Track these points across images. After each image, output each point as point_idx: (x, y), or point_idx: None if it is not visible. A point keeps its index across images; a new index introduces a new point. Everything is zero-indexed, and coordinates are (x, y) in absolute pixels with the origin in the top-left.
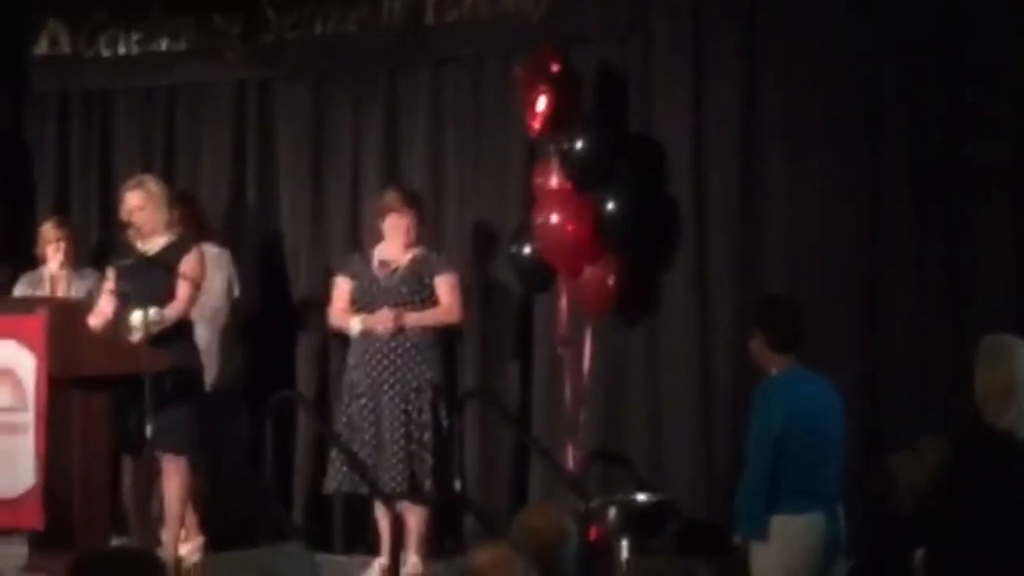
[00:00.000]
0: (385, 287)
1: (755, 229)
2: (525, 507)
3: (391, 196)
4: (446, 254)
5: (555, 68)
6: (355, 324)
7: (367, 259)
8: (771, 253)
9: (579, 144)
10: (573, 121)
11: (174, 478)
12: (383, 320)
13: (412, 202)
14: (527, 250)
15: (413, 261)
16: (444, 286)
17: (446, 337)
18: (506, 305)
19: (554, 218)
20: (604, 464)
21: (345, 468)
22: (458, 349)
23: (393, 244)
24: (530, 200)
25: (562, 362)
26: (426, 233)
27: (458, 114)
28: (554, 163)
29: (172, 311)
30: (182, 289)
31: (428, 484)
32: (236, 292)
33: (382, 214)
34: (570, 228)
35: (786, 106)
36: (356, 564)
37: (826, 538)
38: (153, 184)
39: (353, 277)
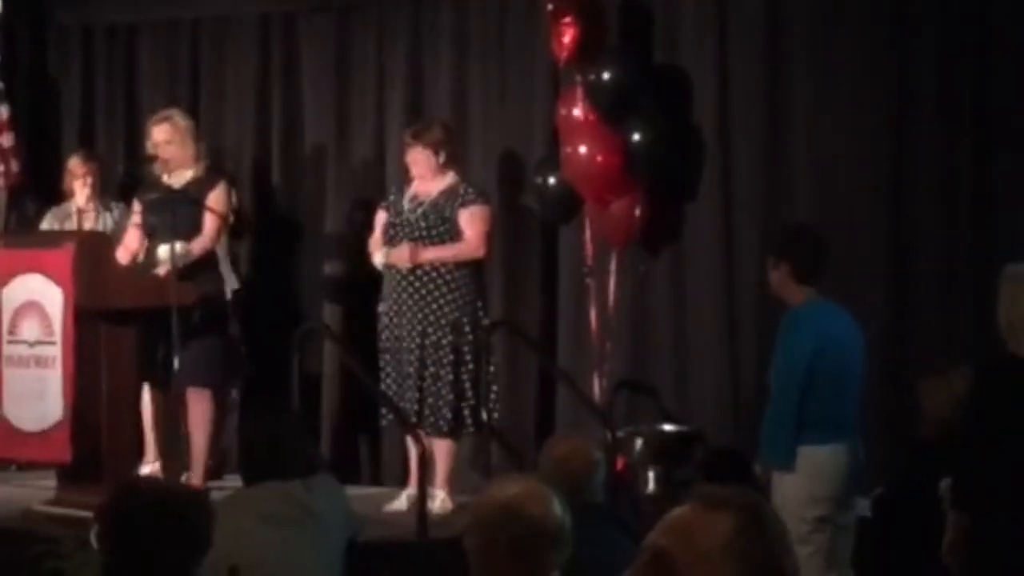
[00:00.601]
0: (407, 220)
1: (780, 159)
2: (552, 438)
3: (407, 131)
4: (476, 187)
5: None
6: (378, 257)
7: (403, 191)
8: (797, 182)
9: (605, 75)
10: (599, 52)
11: (198, 411)
12: (400, 255)
13: (418, 136)
14: (552, 180)
15: (440, 194)
16: (467, 220)
17: (471, 272)
18: (531, 236)
19: (583, 149)
20: (630, 394)
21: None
22: (489, 281)
23: (420, 178)
24: (554, 131)
25: (587, 292)
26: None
27: (483, 44)
28: (579, 94)
29: (199, 245)
30: (209, 223)
31: (446, 419)
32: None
33: (404, 150)
34: (600, 159)
35: (812, 33)
36: (383, 496)
37: (847, 469)
38: (180, 118)
39: (387, 209)
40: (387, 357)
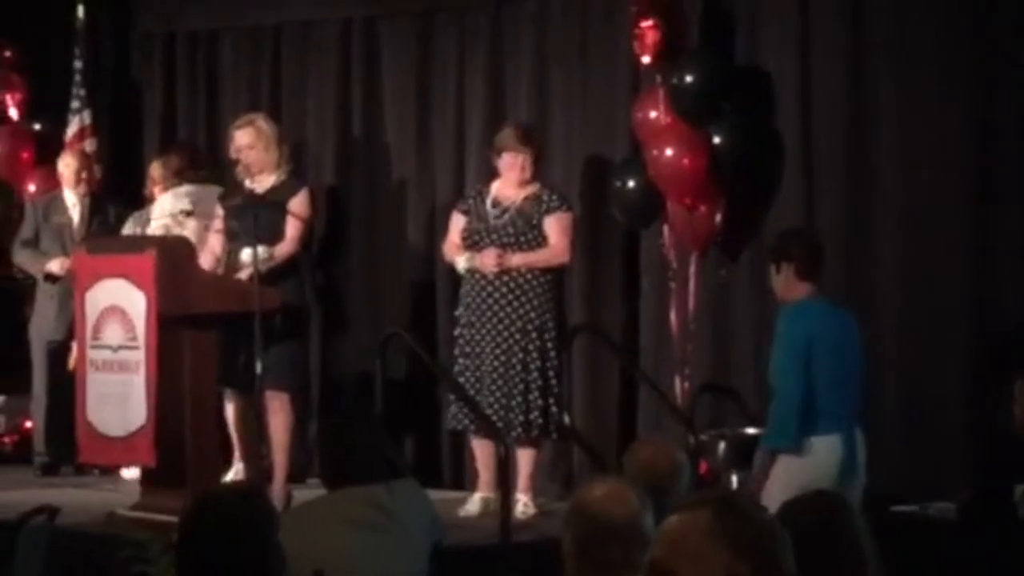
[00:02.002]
0: (493, 226)
1: (862, 161)
2: (637, 441)
3: (507, 133)
4: (560, 194)
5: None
6: (461, 261)
7: (483, 196)
8: (879, 184)
9: (688, 77)
10: (680, 54)
11: (279, 415)
12: (487, 260)
13: (528, 140)
14: (632, 184)
15: (525, 200)
16: (553, 227)
17: (553, 278)
18: (611, 240)
19: (669, 151)
20: (712, 397)
21: (454, 404)
22: (565, 288)
23: (507, 182)
24: (633, 132)
25: (669, 296)
26: (543, 171)
27: (563, 48)
28: (660, 96)
29: (282, 250)
30: (292, 228)
31: (535, 423)
32: None
33: (498, 152)
34: (686, 162)
35: (895, 35)
36: (452, 499)
37: (843, 460)
38: (263, 122)
39: (466, 212)
40: (464, 362)
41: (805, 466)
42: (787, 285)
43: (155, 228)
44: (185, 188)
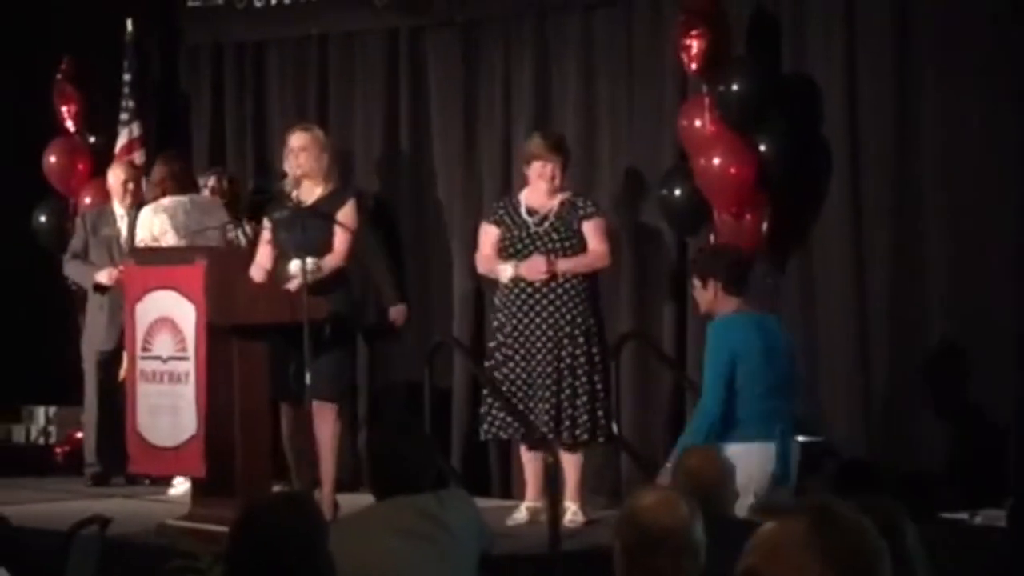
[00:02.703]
0: (535, 233)
1: (909, 169)
2: (688, 449)
3: (536, 142)
4: (593, 198)
5: (709, 8)
6: (506, 271)
7: (514, 205)
8: (925, 191)
9: (735, 86)
10: (726, 62)
11: (327, 425)
12: (536, 267)
13: (558, 148)
14: (678, 192)
15: (561, 207)
16: (592, 231)
17: (591, 283)
18: (659, 247)
19: (716, 160)
20: None
21: (498, 414)
22: (604, 293)
23: (538, 191)
24: (679, 142)
25: None
26: (571, 178)
27: (609, 57)
28: (706, 104)
29: (330, 261)
30: (339, 239)
31: (583, 430)
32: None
33: (527, 160)
34: (733, 171)
35: (940, 43)
36: (512, 509)
37: (770, 467)
38: (318, 131)
39: (498, 224)
40: (505, 370)
41: (740, 471)
42: (715, 300)
43: (138, 242)
44: (166, 201)
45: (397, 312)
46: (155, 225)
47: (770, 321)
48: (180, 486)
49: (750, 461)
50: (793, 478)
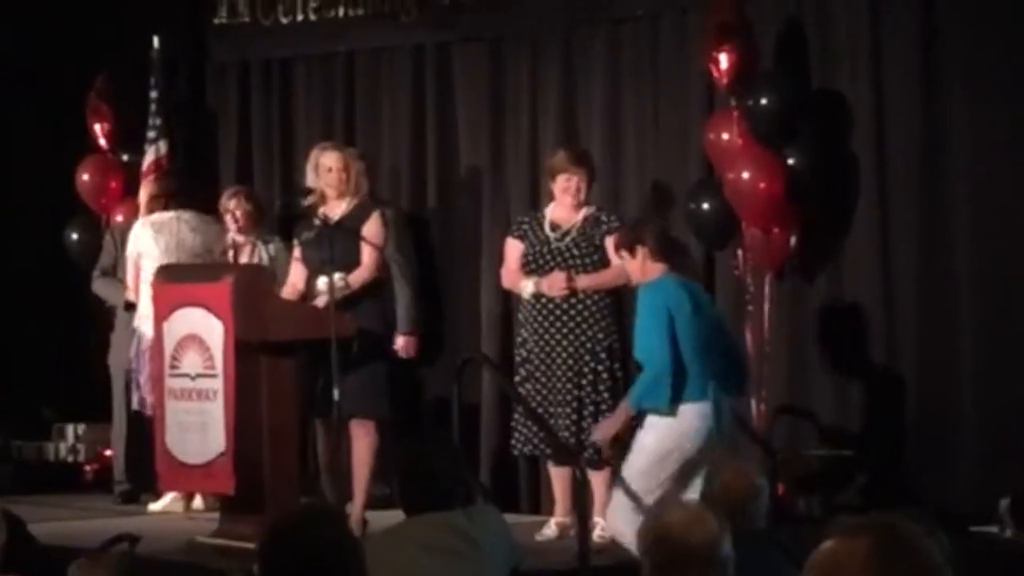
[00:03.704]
0: (556, 249)
1: (938, 182)
2: (717, 463)
3: (561, 156)
4: (617, 214)
5: (738, 23)
6: (527, 286)
7: (538, 220)
8: (954, 205)
9: (764, 100)
10: (754, 77)
11: (362, 441)
12: (556, 283)
13: (582, 162)
14: (706, 206)
15: (584, 222)
16: (615, 247)
17: (614, 299)
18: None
19: (745, 175)
20: (789, 419)
21: (526, 430)
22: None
23: (563, 205)
24: (706, 156)
25: (744, 317)
26: (597, 192)
27: (635, 72)
28: (734, 118)
29: (357, 276)
30: (366, 254)
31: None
32: (218, 255)
33: (552, 175)
34: (762, 185)
35: (967, 56)
36: (541, 524)
37: (704, 426)
38: (354, 156)
39: (523, 239)
40: (529, 386)
41: (675, 428)
42: (643, 267)
43: (127, 255)
44: (155, 217)
45: (403, 343)
46: (140, 240)
47: (694, 285)
48: (160, 501)
49: (686, 419)
50: (725, 433)
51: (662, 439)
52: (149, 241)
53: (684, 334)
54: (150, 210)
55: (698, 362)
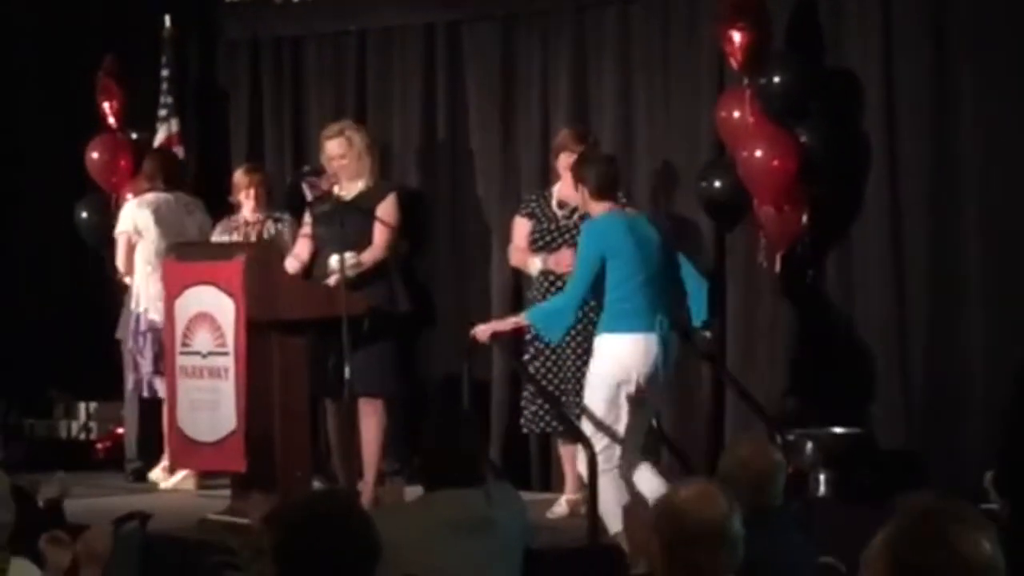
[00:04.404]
0: (564, 226)
1: (949, 162)
2: (734, 439)
3: (564, 134)
4: (624, 192)
5: (751, 2)
6: (535, 264)
7: (546, 198)
8: (965, 186)
9: (777, 79)
10: (766, 56)
11: (371, 419)
12: (563, 260)
13: (585, 140)
14: (718, 184)
15: None
16: None
17: None
18: (697, 240)
19: (759, 152)
20: (799, 398)
21: (536, 408)
22: None
23: (569, 183)
24: (717, 135)
25: (755, 297)
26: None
27: (646, 51)
28: (744, 97)
29: (369, 255)
30: (379, 234)
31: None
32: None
33: (556, 153)
34: (776, 163)
35: (979, 36)
36: (552, 502)
37: (647, 355)
38: (353, 132)
39: (530, 217)
40: (537, 364)
41: (621, 358)
42: (585, 203)
43: (118, 233)
44: (150, 196)
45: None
46: (139, 219)
47: (640, 220)
48: (172, 478)
49: (635, 350)
50: (671, 365)
51: (610, 368)
52: (148, 221)
53: (625, 272)
54: (145, 189)
55: (642, 295)
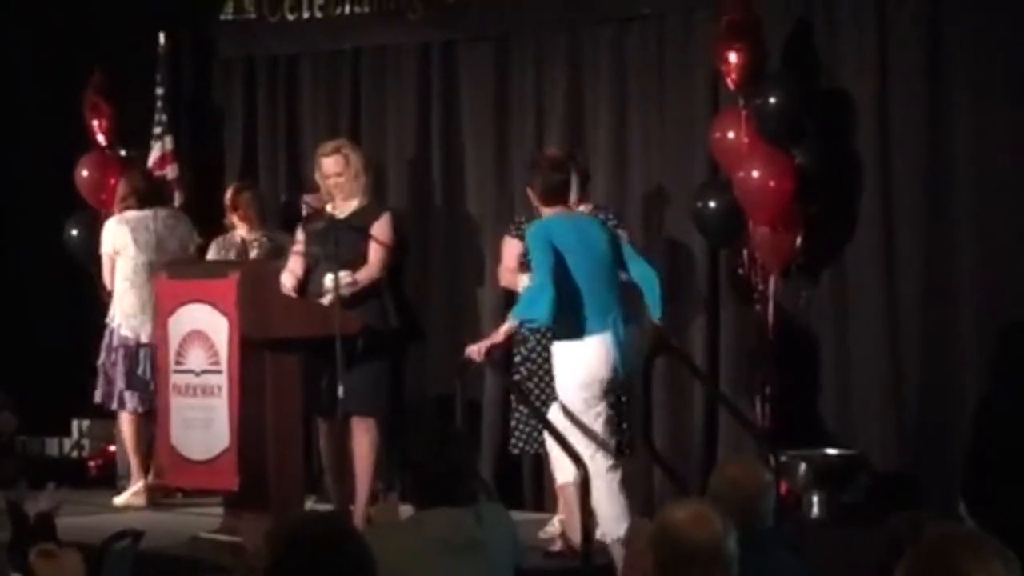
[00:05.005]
0: None
1: (942, 180)
2: (724, 459)
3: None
4: (618, 210)
5: (748, 23)
6: (525, 283)
7: (534, 219)
8: (958, 205)
9: (772, 99)
10: (761, 76)
11: (363, 438)
12: None
13: (579, 158)
14: (713, 204)
15: None
16: None
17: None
18: (689, 260)
19: (755, 174)
20: (792, 418)
21: (528, 428)
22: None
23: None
24: (712, 156)
25: (749, 316)
26: (602, 190)
27: (641, 71)
28: (740, 117)
29: (364, 274)
30: (374, 252)
31: (613, 443)
32: (192, 251)
33: None
34: (772, 184)
35: (972, 55)
36: (545, 521)
37: (605, 357)
38: (349, 150)
39: (521, 238)
40: (528, 385)
41: (583, 359)
42: (537, 208)
43: (102, 253)
44: (130, 215)
45: None
46: (118, 237)
47: (587, 221)
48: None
49: (589, 353)
50: (631, 363)
51: (572, 368)
52: (127, 238)
53: (578, 270)
54: (125, 207)
55: (595, 295)
